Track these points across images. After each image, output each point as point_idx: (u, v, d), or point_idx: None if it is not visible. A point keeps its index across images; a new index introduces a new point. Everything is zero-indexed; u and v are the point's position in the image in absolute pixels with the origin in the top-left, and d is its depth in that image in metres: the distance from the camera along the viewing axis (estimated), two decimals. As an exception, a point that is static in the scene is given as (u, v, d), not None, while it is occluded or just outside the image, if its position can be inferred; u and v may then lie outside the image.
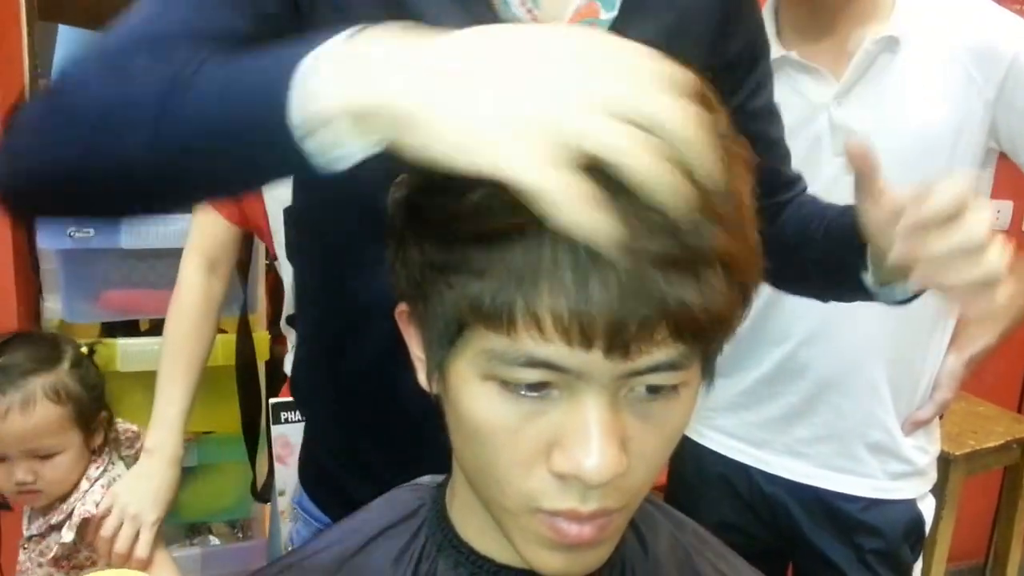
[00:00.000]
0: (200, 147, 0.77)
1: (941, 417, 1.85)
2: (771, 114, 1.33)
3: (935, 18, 1.67)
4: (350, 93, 0.68)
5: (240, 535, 2.94)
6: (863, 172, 1.07)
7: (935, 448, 1.88)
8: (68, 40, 2.76)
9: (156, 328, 2.44)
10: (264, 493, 2.48)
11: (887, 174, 1.63)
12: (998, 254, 0.95)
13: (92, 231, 2.30)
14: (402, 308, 0.82)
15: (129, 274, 2.46)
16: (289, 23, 0.98)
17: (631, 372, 0.69)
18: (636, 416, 0.72)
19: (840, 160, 1.64)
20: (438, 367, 0.76)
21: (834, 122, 1.68)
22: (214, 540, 2.88)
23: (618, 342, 0.65)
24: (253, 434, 2.52)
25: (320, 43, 0.71)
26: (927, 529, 1.86)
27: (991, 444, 2.81)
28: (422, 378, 0.81)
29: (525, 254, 0.65)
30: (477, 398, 0.72)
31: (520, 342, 0.67)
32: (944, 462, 2.65)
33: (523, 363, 0.68)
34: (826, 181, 1.64)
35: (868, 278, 1.16)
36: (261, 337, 2.55)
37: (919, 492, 1.83)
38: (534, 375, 0.68)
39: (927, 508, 1.85)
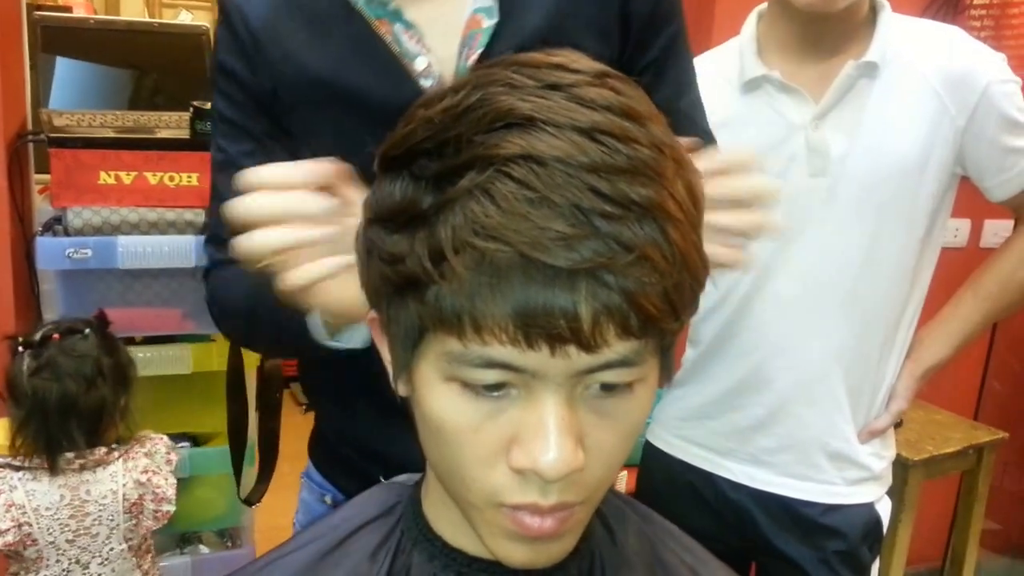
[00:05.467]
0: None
1: (898, 425, 1.85)
2: (678, 82, 1.32)
3: (913, 46, 1.68)
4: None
5: (229, 544, 2.95)
6: None
7: (890, 453, 1.88)
8: (66, 72, 2.78)
9: (150, 340, 2.55)
10: (251, 497, 2.48)
11: (860, 195, 1.68)
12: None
13: (90, 252, 2.30)
14: (372, 315, 0.82)
15: (125, 293, 2.47)
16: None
17: (585, 370, 0.68)
18: (593, 412, 0.72)
19: (814, 181, 1.67)
20: (404, 370, 0.76)
21: (810, 143, 1.68)
22: (204, 549, 2.89)
23: (560, 342, 0.66)
24: (239, 441, 2.51)
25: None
26: (884, 530, 1.86)
27: (948, 450, 2.80)
28: (392, 381, 0.81)
29: (468, 269, 0.65)
30: (440, 398, 0.72)
31: (474, 345, 0.67)
32: (903, 467, 2.65)
33: (480, 364, 0.68)
34: (796, 199, 1.66)
35: None
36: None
37: (876, 496, 1.83)
38: (492, 375, 0.69)
39: (884, 510, 1.85)
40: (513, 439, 0.71)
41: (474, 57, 1.17)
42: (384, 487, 0.99)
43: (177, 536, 2.81)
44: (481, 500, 0.74)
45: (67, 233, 2.35)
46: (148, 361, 2.50)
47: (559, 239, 0.63)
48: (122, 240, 2.35)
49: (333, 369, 1.31)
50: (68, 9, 3.26)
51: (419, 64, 1.18)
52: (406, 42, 1.18)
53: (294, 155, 1.20)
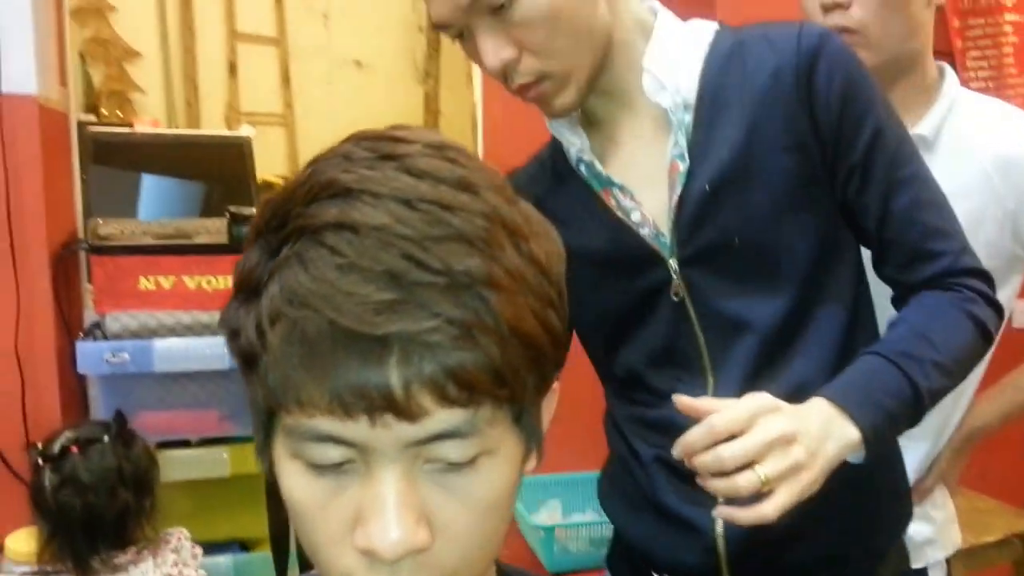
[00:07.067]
0: None
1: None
2: (888, 183, 1.30)
3: (972, 124, 1.67)
4: None
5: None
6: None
7: (941, 513, 1.82)
8: (150, 188, 2.89)
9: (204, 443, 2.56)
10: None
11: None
12: (747, 480, 1.09)
13: (127, 355, 2.36)
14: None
15: (163, 396, 2.52)
16: None
17: (414, 441, 0.66)
18: (439, 489, 0.69)
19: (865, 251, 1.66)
20: (264, 450, 0.74)
21: None
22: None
23: (377, 411, 0.64)
24: (282, 547, 2.52)
25: None
26: None
27: (989, 539, 2.70)
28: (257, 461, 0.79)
29: (282, 339, 0.65)
30: (288, 477, 0.71)
31: (301, 419, 0.66)
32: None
33: (310, 438, 0.67)
34: None
35: None
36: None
37: (928, 560, 1.74)
38: (328, 451, 0.67)
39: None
40: (356, 518, 0.68)
41: (675, 198, 1.29)
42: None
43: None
44: None
45: (105, 337, 2.42)
46: (187, 464, 2.53)
47: (367, 305, 0.63)
48: (158, 343, 2.41)
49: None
50: (130, 125, 3.38)
51: (635, 217, 1.32)
52: (623, 201, 1.33)
53: None
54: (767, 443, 1.10)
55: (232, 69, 4.42)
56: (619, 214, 1.33)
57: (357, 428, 0.65)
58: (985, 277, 1.33)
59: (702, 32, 1.35)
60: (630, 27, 1.33)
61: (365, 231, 0.64)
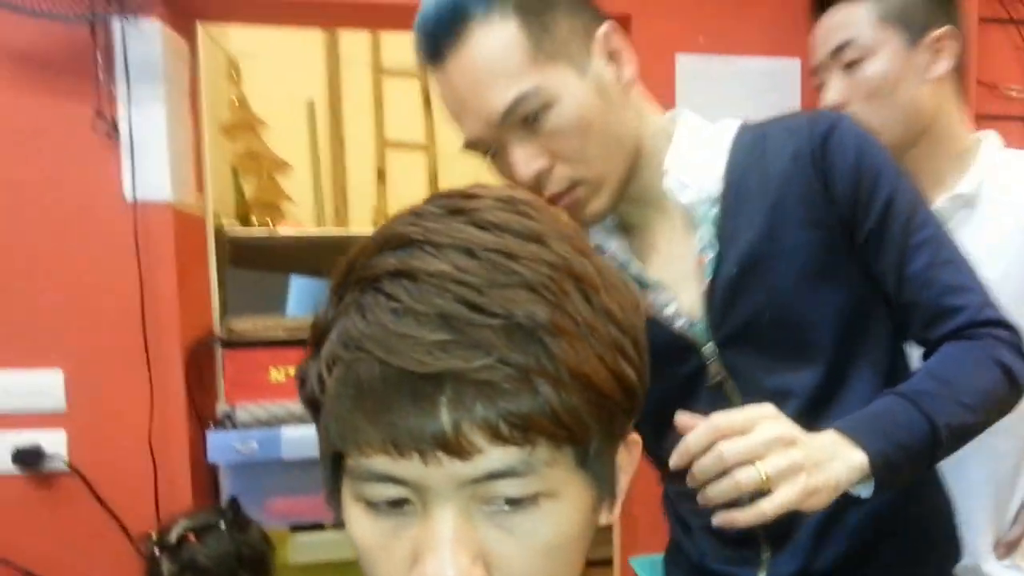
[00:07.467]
0: None
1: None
2: (902, 248, 1.31)
3: (1008, 180, 1.68)
4: None
5: None
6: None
7: None
8: (300, 288, 3.00)
9: (338, 526, 2.57)
10: None
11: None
12: (747, 475, 1.08)
13: (255, 444, 2.43)
14: None
15: (292, 482, 2.57)
16: None
17: (469, 479, 0.67)
18: (497, 529, 0.69)
19: None
20: (332, 495, 0.77)
21: None
22: None
23: (428, 448, 0.65)
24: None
25: None
26: None
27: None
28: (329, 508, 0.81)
29: (338, 381, 0.68)
30: (353, 520, 0.72)
31: (361, 459, 0.68)
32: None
33: (368, 479, 0.69)
34: None
35: None
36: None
37: None
38: (385, 490, 0.69)
39: None
40: (416, 556, 0.69)
41: (705, 287, 1.34)
42: None
43: None
44: None
45: (235, 427, 2.50)
46: (320, 547, 2.62)
47: (420, 346, 0.64)
48: (286, 431, 2.48)
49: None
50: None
51: (670, 310, 1.38)
52: (658, 298, 1.38)
53: None
54: (767, 442, 1.09)
55: (381, 175, 4.55)
56: (654, 311, 1.37)
57: (411, 467, 0.66)
58: (1011, 329, 1.30)
59: (725, 130, 1.41)
60: (656, 135, 1.40)
61: (423, 278, 0.66)
